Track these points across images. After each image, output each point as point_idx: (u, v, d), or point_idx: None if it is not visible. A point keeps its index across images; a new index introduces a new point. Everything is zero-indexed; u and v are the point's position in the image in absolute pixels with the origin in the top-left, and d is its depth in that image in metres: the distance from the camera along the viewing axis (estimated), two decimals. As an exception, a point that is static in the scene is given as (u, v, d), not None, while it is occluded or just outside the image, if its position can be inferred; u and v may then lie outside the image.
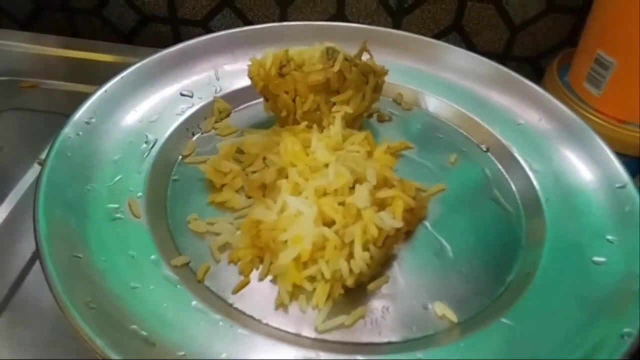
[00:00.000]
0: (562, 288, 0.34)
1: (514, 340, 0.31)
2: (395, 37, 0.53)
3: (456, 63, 0.52)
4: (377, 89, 0.44)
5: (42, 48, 0.71)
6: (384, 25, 0.67)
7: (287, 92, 0.42)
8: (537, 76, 0.68)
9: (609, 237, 0.37)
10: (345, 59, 0.42)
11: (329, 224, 0.34)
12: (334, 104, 0.43)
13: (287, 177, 0.37)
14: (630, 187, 0.39)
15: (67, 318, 0.29)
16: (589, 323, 0.32)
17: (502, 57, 0.71)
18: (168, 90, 0.47)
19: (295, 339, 0.31)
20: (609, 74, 0.55)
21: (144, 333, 0.29)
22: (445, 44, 0.53)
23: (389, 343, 0.32)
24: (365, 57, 0.45)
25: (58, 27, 0.76)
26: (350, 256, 0.33)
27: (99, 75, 0.47)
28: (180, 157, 0.43)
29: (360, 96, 0.43)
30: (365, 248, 0.33)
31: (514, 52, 0.71)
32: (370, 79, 0.43)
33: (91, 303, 0.30)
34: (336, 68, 0.41)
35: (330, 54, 0.42)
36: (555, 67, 0.62)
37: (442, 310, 0.34)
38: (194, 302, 0.32)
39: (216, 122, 0.47)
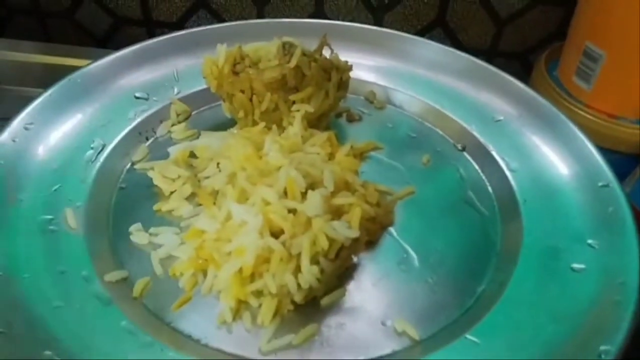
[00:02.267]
0: (535, 299, 0.31)
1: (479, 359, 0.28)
2: (367, 32, 0.50)
3: (431, 58, 0.48)
4: (342, 85, 0.41)
5: (15, 54, 0.68)
6: (364, 23, 0.64)
7: (243, 91, 0.39)
8: (525, 72, 0.64)
9: (590, 241, 0.33)
10: (304, 54, 0.39)
11: (278, 233, 0.31)
12: (294, 102, 0.40)
13: (239, 183, 0.34)
14: (614, 185, 0.36)
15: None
16: (563, 339, 0.28)
17: (488, 53, 0.67)
18: (121, 93, 0.44)
19: (234, 362, 0.28)
20: (599, 67, 0.52)
21: (58, 359, 0.26)
22: (419, 38, 0.49)
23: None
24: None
25: (30, 33, 0.74)
26: (298, 270, 0.30)
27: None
28: (130, 163, 0.40)
29: (323, 94, 0.40)
30: (315, 261, 0.30)
31: (501, 48, 0.67)
32: (333, 75, 0.40)
33: (0, 327, 0.27)
34: (293, 64, 0.38)
35: (286, 49, 0.39)
36: (543, 62, 0.58)
37: (403, 326, 0.30)
38: (123, 322, 0.29)
39: (173, 125, 0.44)
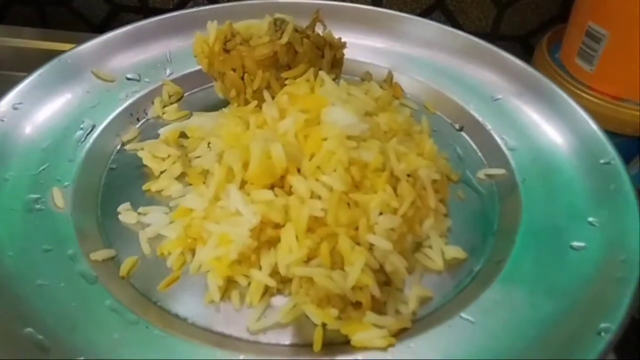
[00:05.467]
0: (533, 278, 0.30)
1: (473, 338, 0.27)
2: (362, 12, 0.49)
3: (428, 38, 0.47)
4: (336, 63, 0.40)
5: (14, 40, 0.68)
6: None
7: (234, 70, 0.39)
8: (527, 55, 0.63)
9: (591, 219, 0.32)
10: (296, 30, 0.38)
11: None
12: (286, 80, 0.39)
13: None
14: (616, 162, 0.35)
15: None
16: (561, 318, 0.27)
17: (490, 36, 0.66)
18: (112, 74, 0.43)
19: (221, 341, 0.28)
20: (601, 47, 0.51)
21: (40, 337, 0.25)
22: (416, 18, 0.48)
23: (330, 344, 0.28)
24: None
25: (28, 20, 0.73)
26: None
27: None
28: (120, 144, 0.40)
29: (316, 72, 0.39)
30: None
31: (503, 31, 0.66)
32: (326, 53, 0.39)
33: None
34: (284, 40, 0.37)
35: (278, 26, 0.38)
36: (545, 45, 0.57)
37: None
38: (108, 301, 0.28)
39: (164, 106, 0.43)
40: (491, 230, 0.34)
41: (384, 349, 0.27)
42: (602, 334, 0.25)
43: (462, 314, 0.28)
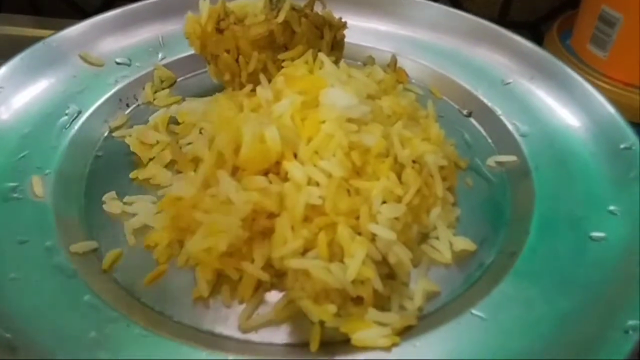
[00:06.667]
0: (550, 271, 0.27)
1: (485, 337, 0.25)
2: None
3: (434, 20, 0.45)
4: (336, 45, 0.38)
5: (7, 28, 0.66)
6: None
7: (228, 51, 0.36)
8: (537, 43, 0.61)
9: (611, 207, 0.30)
10: (293, 8, 0.35)
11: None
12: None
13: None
14: (638, 147, 0.32)
15: None
16: (582, 314, 0.25)
17: (497, 22, 0.63)
18: (101, 58, 0.41)
19: (209, 340, 0.25)
20: (615, 32, 0.48)
21: (8, 335, 0.23)
22: (422, 0, 0.46)
23: (329, 343, 0.26)
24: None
25: (21, 8, 0.71)
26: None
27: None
28: (108, 130, 0.37)
29: (315, 54, 0.37)
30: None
31: (511, 17, 0.64)
32: (326, 33, 0.37)
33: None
34: (280, 19, 0.35)
35: (274, 4, 0.36)
36: (555, 31, 0.55)
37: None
38: (86, 297, 0.26)
39: (156, 91, 0.41)
40: (503, 220, 0.32)
41: (387, 348, 0.25)
42: (630, 332, 0.23)
43: (473, 310, 0.26)
